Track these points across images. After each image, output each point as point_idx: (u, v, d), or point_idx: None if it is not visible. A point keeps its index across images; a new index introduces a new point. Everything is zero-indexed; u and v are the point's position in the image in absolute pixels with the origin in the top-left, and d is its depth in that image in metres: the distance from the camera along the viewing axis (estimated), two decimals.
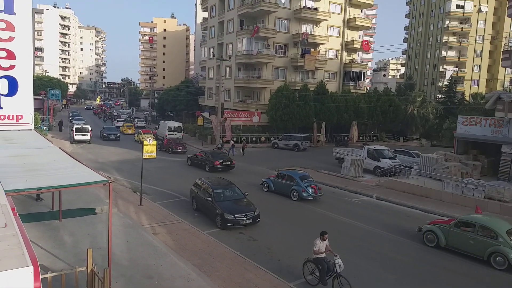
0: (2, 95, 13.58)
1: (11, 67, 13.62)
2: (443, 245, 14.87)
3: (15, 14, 13.59)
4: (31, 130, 14.67)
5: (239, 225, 15.91)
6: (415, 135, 57.33)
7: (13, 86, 13.74)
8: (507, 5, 28.79)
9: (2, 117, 13.78)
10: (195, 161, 30.97)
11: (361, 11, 58.62)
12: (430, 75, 79.79)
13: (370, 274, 12.58)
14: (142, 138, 43.07)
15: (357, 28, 57.06)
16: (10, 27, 13.51)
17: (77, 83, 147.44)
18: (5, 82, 13.56)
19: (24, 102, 14.21)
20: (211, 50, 61.16)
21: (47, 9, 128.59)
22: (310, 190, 21.39)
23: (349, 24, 55.32)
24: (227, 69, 54.39)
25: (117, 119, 67.86)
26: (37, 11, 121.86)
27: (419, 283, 12.31)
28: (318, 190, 21.78)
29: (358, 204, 21.79)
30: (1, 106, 13.68)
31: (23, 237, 4.43)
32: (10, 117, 13.97)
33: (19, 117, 14.14)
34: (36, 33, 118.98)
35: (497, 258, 13.35)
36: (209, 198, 16.89)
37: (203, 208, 17.72)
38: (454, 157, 28.00)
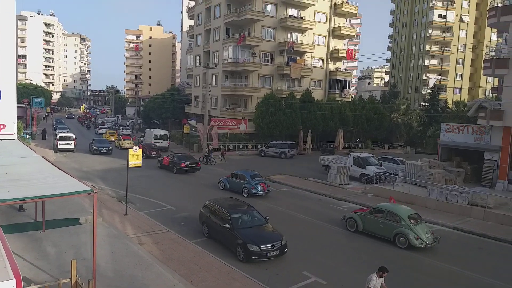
0: None
1: None
2: (361, 229, 17.38)
3: None
4: (14, 139, 14.42)
5: (266, 257, 13.54)
6: (400, 142, 58.09)
7: None
8: (487, 15, 29.52)
9: None
10: (164, 164, 32.20)
11: (346, 20, 59.47)
12: (414, 83, 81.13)
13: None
14: (122, 144, 44.09)
15: (342, 37, 57.78)
16: None
17: (61, 90, 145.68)
18: None
19: (6, 112, 14.00)
20: (198, 58, 61.17)
21: (31, 16, 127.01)
22: (259, 188, 23.69)
23: (334, 33, 56.01)
24: (214, 77, 54.43)
25: (100, 126, 67.67)
26: (21, 18, 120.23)
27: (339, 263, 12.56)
28: (267, 187, 24.17)
29: (345, 211, 21.85)
30: None
31: (5, 250, 4.32)
32: None
33: (2, 126, 13.95)
34: (19, 40, 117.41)
35: (400, 239, 15.85)
36: (227, 225, 14.45)
37: (218, 236, 15.26)
38: (438, 164, 28.42)
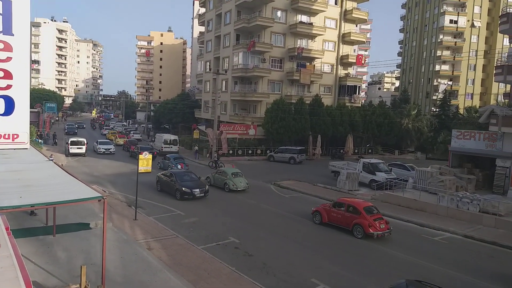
0: None
1: (8, 87, 13.69)
2: (212, 183, 27.52)
3: (13, 35, 13.73)
4: (27, 149, 14.65)
5: None
6: (410, 148, 57.59)
7: (9, 106, 13.80)
8: (499, 22, 29.28)
9: None
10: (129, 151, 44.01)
11: (356, 26, 59.37)
12: (425, 88, 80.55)
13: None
14: (118, 141, 54.14)
15: (352, 43, 57.69)
16: (8, 47, 13.63)
17: (73, 95, 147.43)
18: (1, 101, 13.65)
19: (20, 121, 14.23)
20: (208, 63, 61.55)
21: (44, 23, 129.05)
22: (178, 166, 32.52)
23: (344, 38, 55.95)
24: (224, 82, 54.69)
25: (104, 127, 75.66)
26: (34, 25, 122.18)
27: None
28: (185, 165, 33.11)
29: None
30: None
31: (17, 259, 4.39)
32: (6, 136, 14.00)
33: (15, 136, 14.17)
34: (33, 46, 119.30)
35: (226, 186, 26.66)
36: None
37: None
38: (449, 170, 28.13)
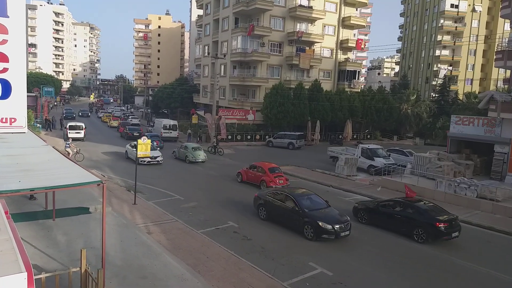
0: None
1: (4, 70, 13.47)
2: (177, 157, 32.48)
3: (8, 16, 13.44)
4: (24, 133, 14.55)
5: None
6: (409, 134, 57.66)
7: (6, 89, 13.59)
8: (501, 6, 28.97)
9: None
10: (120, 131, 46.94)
11: (356, 10, 58.77)
12: (424, 73, 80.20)
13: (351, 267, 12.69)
14: (112, 124, 55.32)
15: (352, 27, 57.18)
16: (3, 30, 13.36)
17: (71, 79, 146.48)
18: None
19: (17, 105, 14.04)
20: (206, 47, 61.04)
21: (40, 5, 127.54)
22: (154, 143, 33.19)
23: (344, 22, 55.42)
24: (222, 67, 54.32)
25: (100, 111, 78.54)
26: (31, 7, 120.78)
27: None
28: (160, 143, 36.16)
29: (352, 203, 21.85)
30: None
31: (16, 242, 4.39)
32: (4, 120, 13.83)
33: (13, 120, 13.99)
34: (29, 29, 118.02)
35: (187, 158, 31.15)
36: None
37: None
38: (447, 156, 28.18)
